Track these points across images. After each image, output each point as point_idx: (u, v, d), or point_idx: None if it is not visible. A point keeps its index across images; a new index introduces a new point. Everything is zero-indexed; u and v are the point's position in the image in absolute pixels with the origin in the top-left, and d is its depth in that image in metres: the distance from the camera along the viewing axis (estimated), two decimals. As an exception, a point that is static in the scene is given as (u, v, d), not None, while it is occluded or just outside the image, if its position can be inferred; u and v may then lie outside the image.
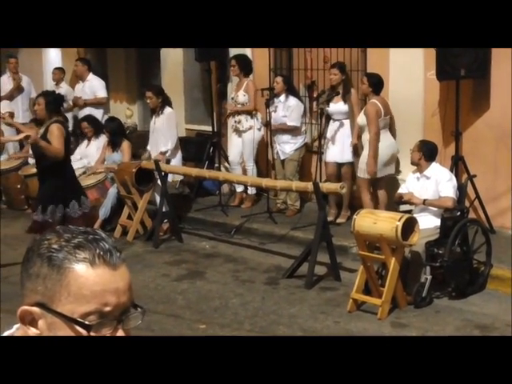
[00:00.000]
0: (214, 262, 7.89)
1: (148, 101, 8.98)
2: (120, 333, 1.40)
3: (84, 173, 9.34)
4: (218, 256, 8.11)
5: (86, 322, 1.37)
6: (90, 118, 9.86)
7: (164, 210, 8.57)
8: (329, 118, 8.44)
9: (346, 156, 8.48)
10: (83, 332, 1.37)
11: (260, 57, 9.76)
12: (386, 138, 7.93)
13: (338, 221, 8.49)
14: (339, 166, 8.56)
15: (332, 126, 8.47)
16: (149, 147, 9.18)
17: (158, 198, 8.68)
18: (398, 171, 8.30)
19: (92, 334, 1.37)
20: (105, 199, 8.88)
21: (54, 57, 13.56)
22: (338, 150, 8.46)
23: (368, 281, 6.35)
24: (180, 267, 7.75)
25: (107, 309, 1.38)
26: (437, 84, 7.93)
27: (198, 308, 6.60)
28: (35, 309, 1.40)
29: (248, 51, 9.81)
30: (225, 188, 9.89)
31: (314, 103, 8.96)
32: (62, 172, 7.42)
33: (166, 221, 8.81)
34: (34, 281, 1.40)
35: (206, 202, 9.65)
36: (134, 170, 8.51)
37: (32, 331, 1.41)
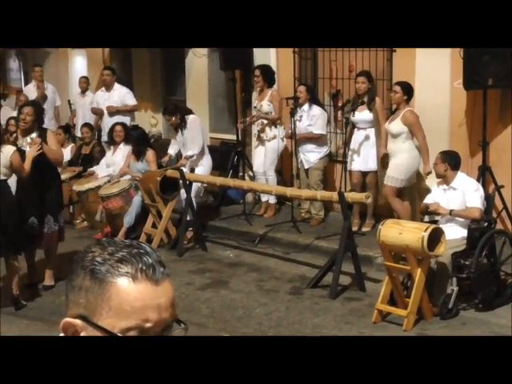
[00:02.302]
0: (238, 271, 7.87)
1: (169, 122, 9.23)
2: None
3: (109, 181, 9.36)
4: (242, 265, 8.08)
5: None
6: (123, 124, 9.90)
7: (188, 218, 8.58)
8: (353, 126, 8.40)
9: (370, 165, 8.44)
10: None
11: (285, 66, 9.75)
12: (412, 148, 7.87)
13: (364, 229, 8.45)
14: (363, 174, 8.53)
15: (357, 135, 8.43)
16: (170, 151, 9.23)
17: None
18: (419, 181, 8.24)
19: None
20: (129, 207, 8.90)
21: (79, 65, 13.67)
22: (362, 159, 8.42)
23: (393, 291, 6.29)
24: (204, 276, 7.74)
25: (148, 325, 1.36)
26: (464, 93, 7.85)
27: (221, 317, 6.58)
28: (78, 321, 1.39)
29: (273, 60, 9.80)
30: (249, 197, 9.87)
31: (339, 112, 8.93)
32: (60, 181, 7.55)
33: (190, 229, 8.81)
34: (76, 293, 1.39)
35: (230, 211, 9.64)
36: (158, 179, 8.53)
37: None
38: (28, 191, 7.13)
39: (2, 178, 6.77)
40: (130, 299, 1.35)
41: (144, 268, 1.37)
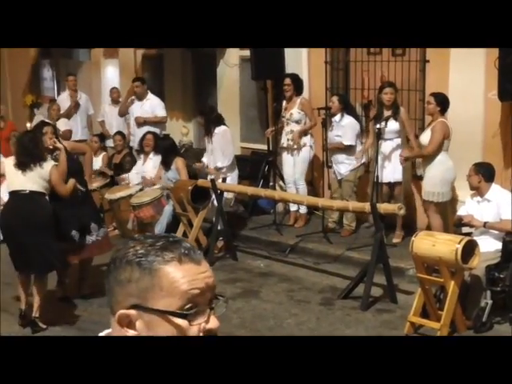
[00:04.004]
0: (269, 281, 7.86)
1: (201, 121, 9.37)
2: (213, 320, 1.52)
3: (141, 190, 9.41)
4: (272, 275, 8.07)
5: (185, 312, 1.48)
6: (154, 133, 9.97)
7: (219, 227, 8.59)
8: (378, 137, 8.30)
9: (397, 175, 8.38)
10: (181, 323, 1.48)
11: (316, 76, 9.74)
12: (445, 158, 7.80)
13: (394, 241, 8.37)
14: (391, 185, 8.47)
15: (384, 146, 8.36)
16: (204, 159, 9.25)
17: None
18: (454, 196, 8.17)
19: (191, 323, 1.49)
20: (160, 216, 8.94)
21: (112, 75, 13.80)
22: (389, 170, 8.36)
23: (426, 304, 6.23)
24: (235, 286, 7.74)
25: (199, 298, 1.50)
26: (498, 104, 7.77)
27: (252, 327, 6.57)
28: (132, 311, 1.50)
29: (304, 70, 9.80)
30: (279, 207, 9.86)
31: (371, 123, 8.89)
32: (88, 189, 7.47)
33: (221, 239, 8.82)
34: (126, 286, 1.50)
35: (260, 221, 9.64)
36: (189, 188, 8.55)
37: (130, 333, 1.51)
38: (64, 203, 6.99)
39: (43, 190, 6.55)
40: (179, 277, 1.48)
41: (186, 252, 1.51)
